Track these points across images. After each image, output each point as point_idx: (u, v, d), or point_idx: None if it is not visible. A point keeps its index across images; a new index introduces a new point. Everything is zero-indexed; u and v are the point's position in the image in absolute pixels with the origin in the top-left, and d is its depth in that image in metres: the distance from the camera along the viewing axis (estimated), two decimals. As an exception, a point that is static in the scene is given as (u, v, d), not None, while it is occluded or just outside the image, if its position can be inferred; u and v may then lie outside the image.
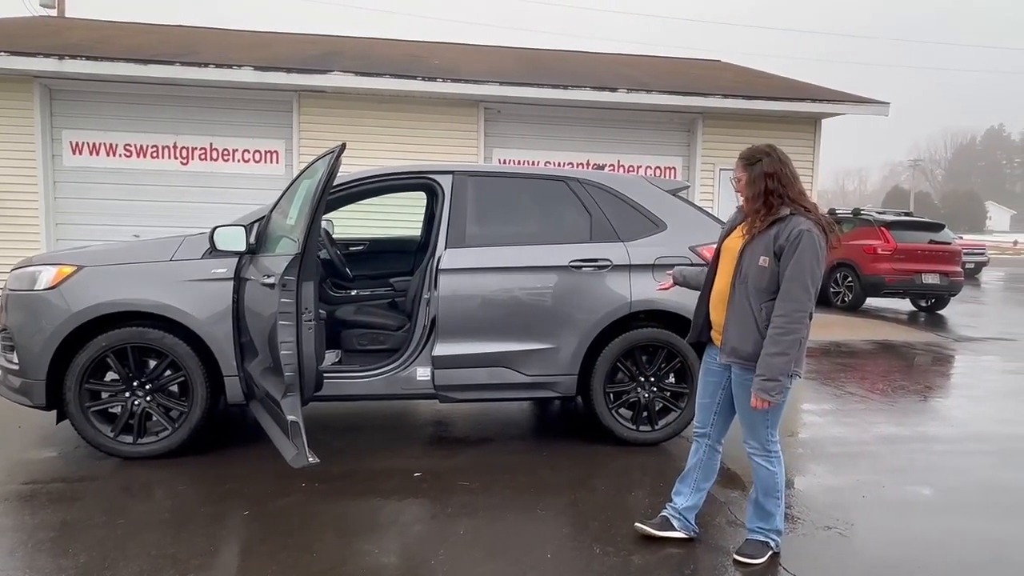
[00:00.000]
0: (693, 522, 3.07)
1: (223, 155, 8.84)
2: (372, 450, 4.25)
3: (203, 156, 8.81)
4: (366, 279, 5.48)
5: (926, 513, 3.54)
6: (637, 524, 3.09)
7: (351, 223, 6.11)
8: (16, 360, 3.86)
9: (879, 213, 13.08)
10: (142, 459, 3.88)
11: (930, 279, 11.40)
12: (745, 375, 2.77)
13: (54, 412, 3.93)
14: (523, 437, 4.67)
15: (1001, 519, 3.46)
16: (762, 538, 2.92)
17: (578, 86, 9.05)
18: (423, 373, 4.09)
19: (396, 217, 6.71)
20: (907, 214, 13.97)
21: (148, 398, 3.91)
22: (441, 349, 4.06)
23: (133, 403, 3.89)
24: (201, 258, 3.93)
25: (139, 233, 7.90)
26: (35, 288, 3.85)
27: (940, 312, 12.22)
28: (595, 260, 4.24)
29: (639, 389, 4.32)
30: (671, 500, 3.11)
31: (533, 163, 9.37)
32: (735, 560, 2.88)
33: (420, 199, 5.60)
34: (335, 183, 4.07)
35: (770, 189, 2.72)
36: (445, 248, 4.15)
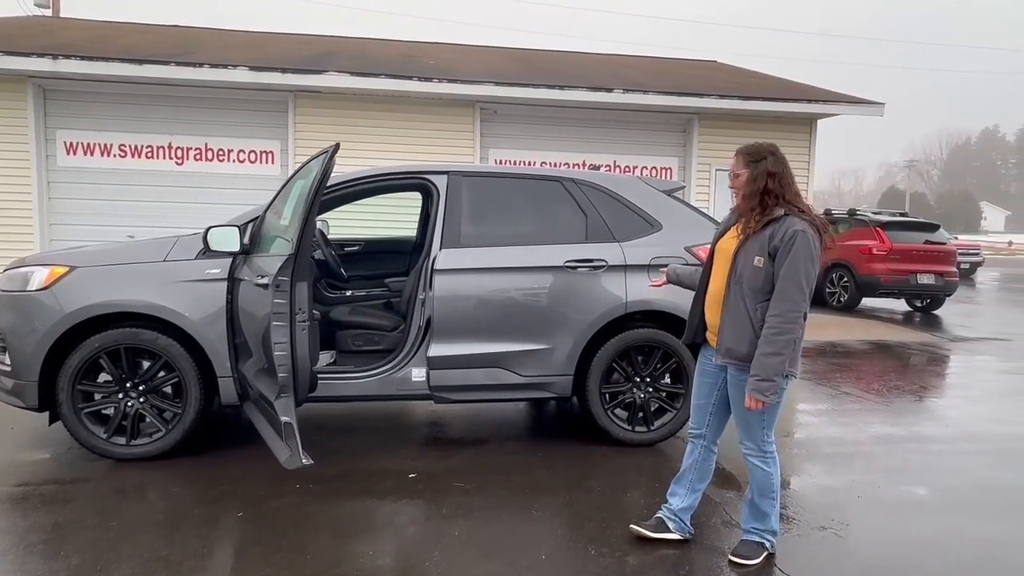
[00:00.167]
0: (688, 523, 3.06)
1: (218, 155, 8.82)
2: (367, 451, 4.24)
3: (198, 156, 8.79)
4: (361, 279, 5.47)
5: (921, 513, 3.54)
6: (632, 525, 3.08)
7: (346, 223, 6.10)
8: (8, 361, 3.84)
9: (874, 213, 13.12)
10: (135, 461, 3.86)
11: (925, 279, 11.43)
12: (741, 376, 2.76)
13: (47, 414, 3.91)
14: (519, 438, 4.66)
15: (996, 519, 3.47)
16: (757, 539, 2.92)
17: (574, 86, 9.05)
18: (418, 374, 4.08)
19: (391, 217, 6.69)
20: (902, 214, 14.02)
21: (141, 399, 3.89)
22: (436, 350, 4.05)
23: (126, 404, 3.87)
24: (195, 259, 3.91)
25: (134, 234, 7.88)
26: (27, 289, 3.83)
27: (935, 312, 12.25)
28: (590, 260, 4.23)
29: (635, 389, 4.32)
30: (666, 501, 3.10)
31: (529, 163, 9.36)
32: (730, 561, 2.88)
33: (415, 199, 5.58)
34: (330, 183, 4.08)
35: (769, 189, 2.72)
36: (440, 248, 4.14)
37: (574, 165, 9.34)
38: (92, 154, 8.59)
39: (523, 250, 4.23)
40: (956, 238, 21.64)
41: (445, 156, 8.97)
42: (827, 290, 12.08)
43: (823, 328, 9.57)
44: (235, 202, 7.49)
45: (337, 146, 3.41)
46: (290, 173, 7.05)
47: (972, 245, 22.70)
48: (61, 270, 3.85)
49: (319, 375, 3.85)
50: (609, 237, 4.32)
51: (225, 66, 8.26)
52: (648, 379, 4.32)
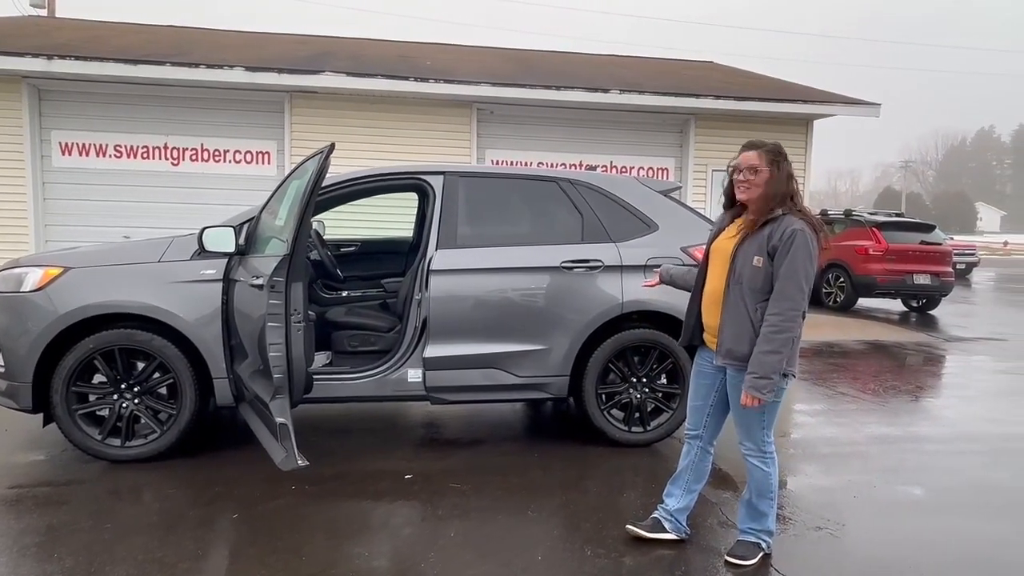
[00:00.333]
0: (684, 523, 3.06)
1: (214, 156, 8.79)
2: (363, 452, 4.23)
3: (194, 157, 8.76)
4: (357, 280, 5.46)
5: (917, 513, 3.55)
6: (628, 526, 3.08)
7: (343, 224, 6.09)
8: (2, 363, 3.82)
9: (870, 214, 13.15)
10: (130, 462, 3.84)
11: (921, 279, 11.46)
12: (740, 376, 2.75)
13: (41, 415, 3.89)
14: (515, 438, 4.66)
15: (992, 519, 3.47)
16: (753, 539, 2.92)
17: (570, 87, 9.05)
18: (414, 375, 4.07)
19: (388, 218, 6.68)
20: (898, 215, 14.05)
21: (136, 400, 3.88)
22: (432, 350, 4.04)
23: (121, 406, 3.86)
24: (190, 259, 3.90)
25: (129, 234, 7.85)
26: (21, 290, 3.81)
27: (931, 312, 12.28)
28: (587, 261, 4.23)
29: (631, 390, 4.32)
30: (662, 502, 3.10)
31: (526, 164, 9.36)
32: (726, 561, 2.87)
33: (412, 200, 5.58)
34: (326, 184, 4.06)
35: (789, 191, 2.71)
36: (436, 249, 4.13)
37: (570, 165, 9.33)
38: (87, 155, 8.56)
39: (519, 250, 4.23)
40: (952, 238, 21.73)
41: (441, 156, 8.96)
42: (823, 290, 12.10)
43: (820, 328, 9.59)
44: (231, 203, 7.47)
45: (332, 146, 3.40)
46: (286, 174, 7.04)
47: (968, 245, 22.75)
48: (55, 271, 3.84)
49: (315, 376, 3.85)
50: (605, 237, 4.32)
51: (221, 66, 8.24)
52: (644, 379, 4.31)
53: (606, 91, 9.07)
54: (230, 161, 8.82)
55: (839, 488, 3.82)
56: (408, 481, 3.73)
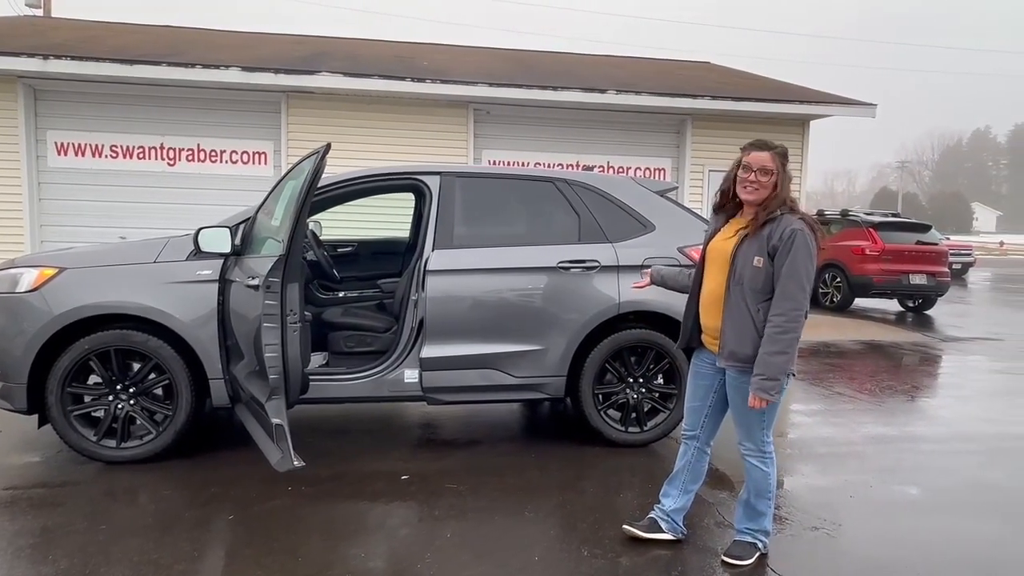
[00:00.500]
0: (681, 524, 3.06)
1: (210, 156, 8.78)
2: (359, 453, 4.22)
3: (190, 157, 8.75)
4: (354, 280, 5.46)
5: (914, 513, 3.55)
6: (625, 526, 3.08)
7: (339, 224, 6.07)
8: (-3, 364, 3.80)
9: (867, 214, 13.17)
10: (126, 463, 3.83)
11: (917, 279, 11.48)
12: (741, 377, 2.75)
13: (36, 416, 3.87)
14: (512, 439, 4.65)
15: (989, 518, 3.48)
16: (750, 539, 2.92)
17: (567, 87, 9.05)
18: (411, 375, 4.06)
19: (384, 218, 6.67)
20: (894, 215, 14.07)
21: (132, 401, 3.87)
22: (429, 351, 4.04)
23: (116, 407, 3.85)
24: (185, 260, 3.89)
25: (125, 235, 7.83)
26: (16, 290, 3.80)
27: (927, 312, 12.31)
28: (583, 261, 4.23)
29: (628, 390, 4.31)
30: (659, 502, 3.10)
31: (523, 164, 9.36)
32: (723, 561, 2.88)
33: (409, 200, 5.57)
34: (322, 184, 4.06)
35: (789, 193, 2.74)
36: (433, 249, 4.13)
37: (567, 166, 9.33)
38: (83, 155, 8.54)
39: (516, 251, 4.22)
40: (948, 239, 21.77)
41: (438, 157, 8.96)
42: (820, 290, 12.11)
43: (816, 328, 9.60)
44: (227, 203, 7.45)
45: (328, 146, 3.40)
46: (282, 174, 7.03)
47: (964, 245, 22.81)
48: (50, 271, 3.82)
49: (311, 377, 3.84)
50: (602, 238, 4.32)
51: (217, 66, 8.22)
52: (641, 380, 4.31)
53: (603, 91, 9.07)
54: (226, 161, 8.80)
55: (835, 488, 3.82)
56: (405, 482, 3.72)
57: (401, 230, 5.87)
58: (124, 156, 8.61)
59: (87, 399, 3.88)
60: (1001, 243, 46.38)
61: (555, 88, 8.98)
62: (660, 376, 4.37)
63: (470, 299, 4.10)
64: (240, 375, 3.72)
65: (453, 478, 3.78)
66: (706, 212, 9.11)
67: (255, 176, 8.75)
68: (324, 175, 3.66)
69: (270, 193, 3.93)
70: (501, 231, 4.35)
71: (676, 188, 5.15)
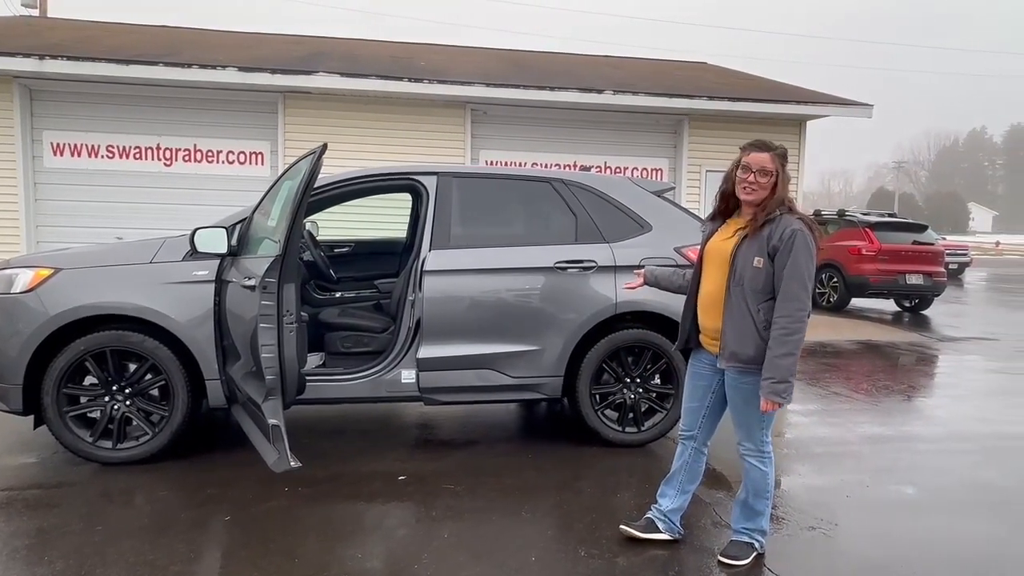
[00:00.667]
0: (678, 524, 3.06)
1: (207, 156, 8.76)
2: (357, 453, 4.22)
3: (187, 157, 8.73)
4: (351, 281, 5.45)
5: (910, 512, 3.56)
6: (622, 526, 3.08)
7: (336, 225, 6.07)
8: (-8, 364, 3.79)
9: (863, 214, 13.19)
10: (122, 464, 3.82)
11: (914, 279, 11.50)
12: (743, 378, 2.75)
13: (31, 417, 3.86)
14: (509, 439, 4.65)
15: (984, 517, 3.48)
16: (747, 539, 2.92)
17: (564, 88, 9.05)
18: (408, 375, 4.06)
19: (382, 219, 6.67)
20: (891, 215, 14.10)
21: (128, 402, 3.86)
22: (426, 351, 4.04)
23: (112, 407, 3.84)
24: (182, 260, 3.88)
25: (122, 235, 7.81)
26: (12, 291, 3.79)
27: (924, 312, 12.33)
28: (580, 261, 4.23)
29: (625, 390, 4.32)
30: (656, 502, 3.10)
31: (520, 164, 9.36)
32: (720, 561, 2.88)
33: (406, 200, 5.57)
34: (320, 184, 4.06)
35: (787, 192, 2.74)
36: (430, 250, 4.13)
37: (564, 166, 9.34)
38: (79, 155, 8.52)
39: (513, 251, 4.22)
40: (944, 239, 21.81)
41: (436, 157, 8.95)
42: (817, 290, 12.14)
43: (813, 328, 9.54)
44: (224, 203, 7.44)
45: (325, 146, 3.39)
46: (279, 174, 7.02)
47: (960, 246, 22.87)
48: (46, 272, 3.81)
49: (308, 377, 3.83)
50: (599, 238, 4.32)
51: (214, 67, 8.21)
52: (638, 380, 4.31)
53: (600, 92, 9.07)
54: (223, 162, 8.79)
55: (832, 488, 3.83)
56: (402, 482, 3.72)
57: (398, 230, 5.87)
58: (120, 156, 8.59)
59: (83, 400, 3.87)
60: (997, 243, 46.52)
61: (552, 88, 8.98)
62: (657, 376, 4.37)
63: (467, 299, 4.10)
64: (237, 376, 3.71)
65: (450, 478, 3.78)
66: (703, 212, 9.13)
67: (252, 176, 8.74)
68: (321, 175, 3.66)
69: (267, 193, 3.92)
70: (498, 231, 4.35)
71: (673, 188, 5.15)
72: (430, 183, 4.27)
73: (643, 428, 4.33)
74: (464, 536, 3.10)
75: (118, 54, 8.38)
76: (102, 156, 8.55)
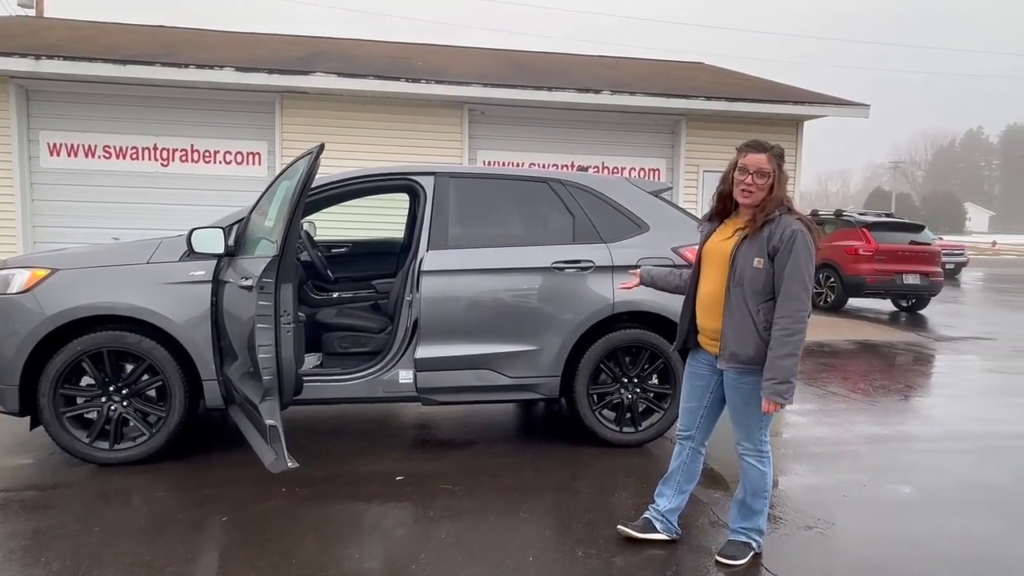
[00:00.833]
0: (675, 524, 3.06)
1: (204, 157, 8.76)
2: (354, 454, 4.21)
3: (184, 158, 8.72)
4: (348, 281, 5.44)
5: (907, 512, 3.56)
6: (619, 526, 3.08)
7: (334, 225, 6.07)
8: (-11, 365, 3.78)
9: (860, 214, 13.21)
10: (119, 465, 3.81)
11: (911, 279, 11.53)
12: (742, 378, 2.76)
13: (28, 418, 3.85)
14: (507, 439, 4.65)
15: (981, 517, 3.49)
16: (744, 539, 2.92)
17: (562, 88, 9.06)
18: (405, 376, 4.06)
19: (379, 219, 6.67)
20: (888, 215, 14.13)
21: (125, 403, 3.85)
22: (424, 351, 4.03)
23: (109, 408, 3.83)
24: (179, 261, 3.87)
25: (118, 236, 7.79)
26: (8, 291, 3.78)
27: (920, 312, 12.36)
28: (578, 261, 4.23)
29: (622, 390, 4.32)
30: (653, 502, 3.10)
31: (517, 164, 9.36)
32: (717, 561, 2.88)
33: (403, 200, 5.56)
34: (317, 185, 4.05)
35: (785, 192, 2.74)
36: (427, 250, 4.13)
37: (562, 166, 9.34)
38: (76, 155, 8.50)
39: (510, 251, 4.22)
40: (941, 239, 21.88)
41: (433, 157, 8.95)
42: (814, 290, 12.13)
43: (811, 328, 9.46)
44: (221, 204, 7.43)
45: (322, 147, 3.39)
46: (276, 174, 7.01)
47: (956, 246, 22.92)
48: (42, 272, 3.80)
49: (305, 378, 3.83)
50: (596, 238, 4.32)
51: (211, 67, 8.20)
52: (636, 380, 4.32)
53: (597, 92, 9.08)
54: (220, 162, 8.78)
55: (829, 487, 3.83)
56: (400, 483, 3.72)
57: (396, 231, 5.87)
58: (117, 157, 8.58)
59: (80, 401, 3.86)
60: (993, 243, 46.65)
61: (550, 88, 8.99)
62: (655, 376, 4.37)
63: (465, 300, 4.10)
64: (234, 376, 3.71)
65: (448, 479, 3.78)
66: (701, 212, 9.14)
67: (249, 177, 8.73)
68: (318, 175, 3.66)
69: (264, 193, 3.92)
70: (495, 231, 4.35)
71: (670, 188, 5.17)
72: (427, 183, 4.27)
73: (640, 428, 4.33)
74: (462, 536, 3.10)
75: (115, 54, 8.36)
76: (99, 156, 8.54)
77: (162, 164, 8.68)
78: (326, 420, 4.89)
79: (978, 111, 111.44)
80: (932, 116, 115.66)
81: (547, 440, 4.60)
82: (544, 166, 9.32)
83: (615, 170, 9.56)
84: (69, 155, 8.49)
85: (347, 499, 3.49)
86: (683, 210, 4.72)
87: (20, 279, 3.79)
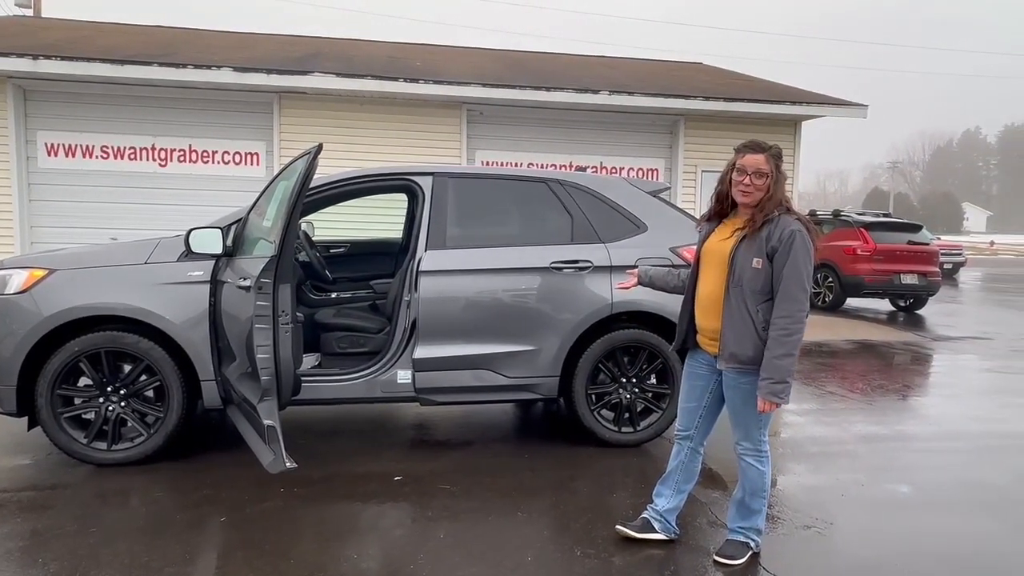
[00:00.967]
0: (674, 524, 3.06)
1: (202, 157, 8.74)
2: (352, 454, 4.21)
3: (182, 158, 8.71)
4: (346, 281, 5.44)
5: (905, 511, 3.57)
6: (618, 526, 3.08)
7: (332, 225, 6.06)
8: (-14, 366, 3.77)
9: (858, 214, 13.23)
10: (116, 466, 3.80)
11: (909, 279, 11.54)
12: (741, 378, 2.76)
13: (25, 419, 3.84)
14: (505, 439, 4.65)
15: (978, 515, 3.50)
16: (742, 538, 2.92)
17: (560, 88, 9.06)
18: (404, 376, 4.05)
19: (378, 219, 6.66)
20: (886, 215, 14.14)
21: (123, 403, 3.84)
22: (422, 352, 4.03)
23: (107, 408, 3.82)
24: (177, 261, 3.87)
25: (116, 236, 7.78)
26: (6, 292, 3.77)
27: (918, 312, 12.37)
28: (576, 261, 4.23)
29: (621, 390, 4.32)
30: (652, 502, 3.10)
31: (516, 165, 9.36)
32: (715, 561, 2.88)
33: (402, 200, 5.56)
34: (315, 185, 4.05)
35: (783, 192, 2.73)
36: (425, 250, 4.12)
37: (561, 166, 9.34)
38: (73, 155, 8.48)
39: (509, 251, 4.22)
40: (939, 238, 21.90)
41: (431, 157, 8.94)
42: (812, 290, 12.14)
43: (808, 328, 9.47)
44: (219, 204, 7.42)
45: (320, 147, 3.39)
46: (275, 175, 7.00)
47: (954, 245, 22.94)
48: (40, 273, 3.80)
49: (303, 378, 3.83)
50: (595, 238, 4.32)
51: (209, 67, 8.19)
52: (634, 380, 4.32)
53: (596, 92, 9.08)
54: (218, 162, 8.77)
55: (827, 487, 3.83)
56: (398, 483, 3.72)
57: (394, 231, 5.87)
58: (115, 157, 8.56)
59: (77, 401, 3.85)
60: (991, 243, 46.72)
61: (548, 88, 8.98)
62: (653, 376, 4.37)
63: (463, 300, 4.10)
64: (232, 376, 3.70)
65: (446, 479, 3.77)
66: (698, 212, 9.14)
67: (247, 177, 8.72)
68: (316, 176, 3.66)
69: (262, 194, 3.91)
70: (494, 231, 4.35)
71: (668, 188, 5.17)
72: (426, 183, 4.27)
73: (639, 428, 4.34)
74: (460, 536, 3.10)
75: (112, 54, 8.35)
76: (96, 157, 8.52)
77: (160, 164, 8.66)
78: (324, 420, 4.89)
79: (976, 111, 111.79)
80: (930, 116, 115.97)
81: (545, 440, 4.61)
82: (542, 166, 9.32)
83: (613, 170, 9.56)
84: (67, 155, 8.47)
85: (345, 499, 3.49)
86: (681, 210, 4.72)
87: (18, 279, 3.78)
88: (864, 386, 6.45)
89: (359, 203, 5.14)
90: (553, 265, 4.20)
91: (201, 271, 3.83)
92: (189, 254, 3.81)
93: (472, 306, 4.11)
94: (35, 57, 7.86)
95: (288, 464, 3.07)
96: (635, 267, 4.08)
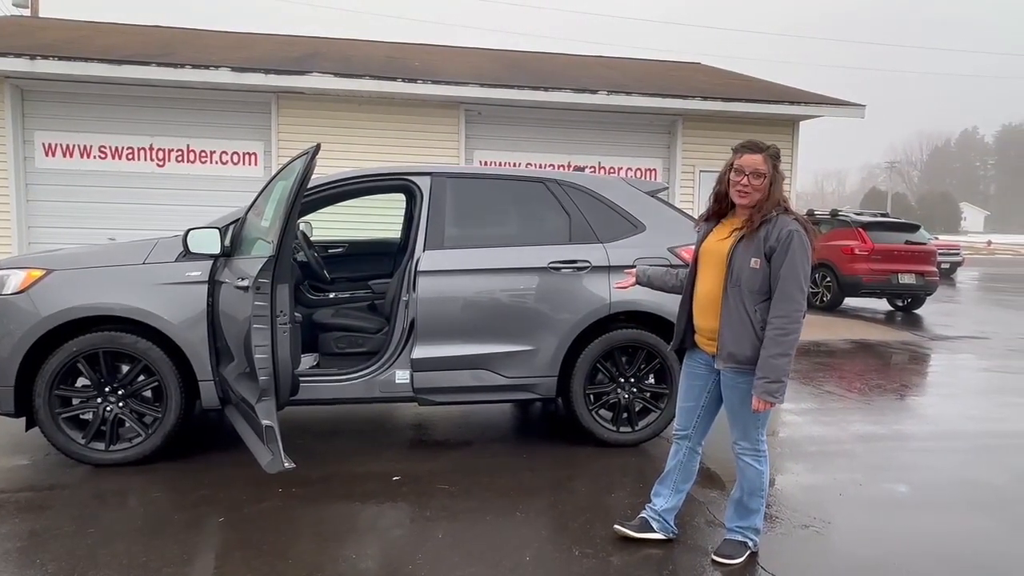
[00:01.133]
0: (672, 523, 3.06)
1: (200, 157, 8.73)
2: (351, 454, 4.21)
3: (180, 158, 8.70)
4: (345, 281, 5.44)
5: (903, 510, 3.57)
6: (616, 526, 3.08)
7: (330, 225, 6.06)
8: (-16, 366, 3.76)
9: (856, 214, 13.24)
10: (114, 466, 3.80)
11: (906, 279, 11.56)
12: (738, 378, 2.76)
13: (23, 419, 3.84)
14: (503, 439, 4.65)
15: (976, 515, 3.50)
16: (741, 538, 2.93)
17: (558, 88, 9.06)
18: (402, 376, 4.05)
19: (376, 219, 6.66)
20: (884, 215, 14.16)
21: (121, 404, 3.84)
22: (420, 352, 4.03)
23: (105, 409, 3.82)
24: (175, 261, 3.87)
25: (114, 236, 7.77)
26: (3, 292, 3.77)
27: (916, 311, 12.39)
28: (574, 261, 4.23)
29: (619, 390, 4.32)
30: (650, 501, 3.10)
31: (514, 165, 9.36)
32: (713, 560, 2.88)
33: (400, 201, 5.56)
34: (313, 185, 4.05)
35: (781, 192, 2.74)
36: (424, 250, 4.12)
37: (559, 166, 9.34)
38: (71, 156, 8.47)
39: (507, 251, 4.22)
40: (936, 238, 21.93)
41: (430, 157, 8.94)
42: (810, 290, 12.17)
43: (806, 328, 9.48)
44: (217, 204, 7.41)
45: (318, 147, 3.39)
46: (272, 175, 7.00)
47: (952, 245, 22.97)
48: (38, 273, 3.79)
49: (302, 378, 3.83)
50: (593, 238, 4.32)
51: (207, 67, 8.18)
52: (632, 379, 4.32)
53: (594, 92, 9.08)
54: (216, 162, 8.76)
55: (825, 486, 3.84)
56: (396, 483, 3.72)
57: (392, 231, 5.86)
58: (113, 157, 8.55)
59: (76, 401, 3.85)
60: (989, 242, 46.80)
61: (546, 89, 8.99)
62: (651, 376, 4.38)
63: (461, 300, 4.10)
64: (230, 376, 3.70)
65: (445, 479, 3.78)
66: (697, 212, 9.14)
67: (245, 177, 8.71)
68: (314, 176, 3.65)
69: (260, 194, 3.91)
70: (492, 232, 4.35)
71: (666, 188, 5.18)
72: (424, 183, 4.27)
73: (637, 428, 4.34)
74: (459, 536, 3.10)
75: (110, 54, 8.34)
76: (94, 157, 8.51)
77: (158, 164, 8.65)
78: (322, 420, 4.88)
79: (973, 111, 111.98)
80: (928, 116, 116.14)
81: (544, 440, 4.61)
82: (541, 166, 9.32)
83: (611, 170, 9.57)
84: (64, 155, 8.46)
85: (344, 499, 3.49)
86: (679, 210, 4.73)
87: (15, 280, 3.78)
88: (862, 386, 6.46)
89: (357, 203, 5.14)
90: (551, 265, 4.20)
91: (199, 271, 3.83)
92: (187, 254, 3.81)
93: (470, 306, 4.11)
94: (33, 57, 7.85)
95: (286, 464, 3.07)
96: (633, 267, 4.09)
